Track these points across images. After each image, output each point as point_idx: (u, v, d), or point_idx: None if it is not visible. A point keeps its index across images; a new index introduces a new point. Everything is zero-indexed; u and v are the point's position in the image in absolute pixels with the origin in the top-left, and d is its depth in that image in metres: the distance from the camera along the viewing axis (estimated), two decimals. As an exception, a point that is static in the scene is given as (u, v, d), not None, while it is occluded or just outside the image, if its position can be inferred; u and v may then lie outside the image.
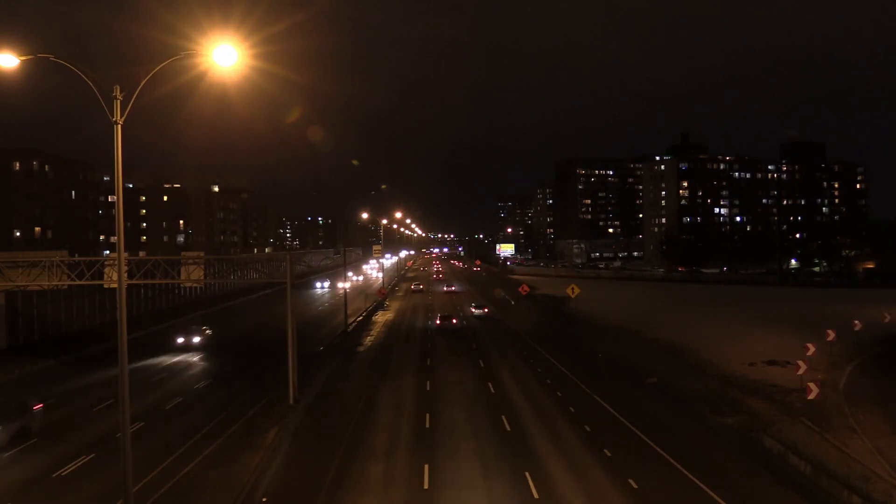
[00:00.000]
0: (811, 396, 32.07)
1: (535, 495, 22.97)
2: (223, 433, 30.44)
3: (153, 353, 52.98)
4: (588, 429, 31.06)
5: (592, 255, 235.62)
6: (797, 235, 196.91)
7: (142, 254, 48.35)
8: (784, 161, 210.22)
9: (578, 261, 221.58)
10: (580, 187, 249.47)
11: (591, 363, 48.01)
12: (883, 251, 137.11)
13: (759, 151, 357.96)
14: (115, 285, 37.82)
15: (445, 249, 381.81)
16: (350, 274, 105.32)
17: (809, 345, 40.64)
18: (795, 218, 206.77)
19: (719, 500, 22.27)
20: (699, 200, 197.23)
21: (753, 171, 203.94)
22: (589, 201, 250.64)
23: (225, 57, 17.84)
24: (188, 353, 54.05)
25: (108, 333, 51.43)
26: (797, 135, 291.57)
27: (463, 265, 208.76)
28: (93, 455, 28.27)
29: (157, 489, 23.43)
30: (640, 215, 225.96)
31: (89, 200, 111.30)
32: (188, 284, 57.67)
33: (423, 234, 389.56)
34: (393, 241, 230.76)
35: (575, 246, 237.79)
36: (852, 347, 48.41)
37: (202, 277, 43.40)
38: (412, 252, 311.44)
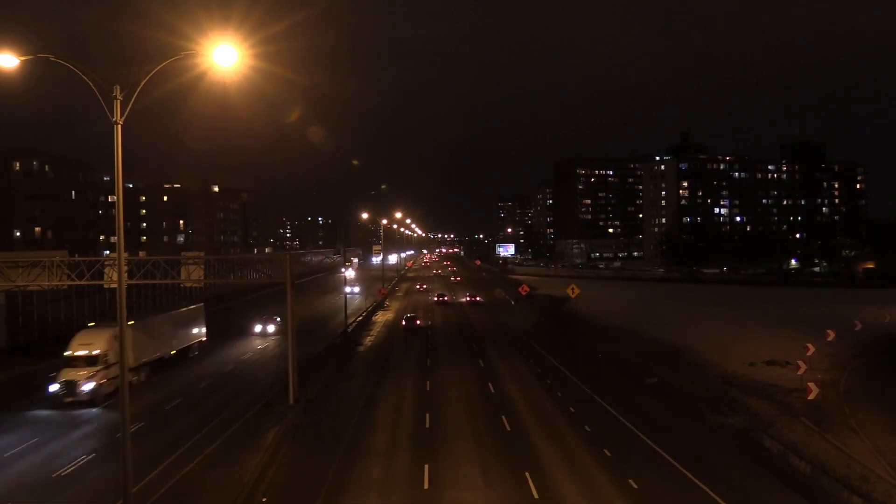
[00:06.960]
0: (811, 396, 32.11)
1: (536, 495, 22.96)
2: (223, 433, 30.45)
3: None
4: (588, 429, 31.04)
5: (592, 255, 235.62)
6: (797, 235, 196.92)
7: (142, 254, 48.23)
8: (784, 161, 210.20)
9: (578, 261, 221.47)
10: (580, 187, 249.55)
11: (592, 363, 48.00)
12: (883, 251, 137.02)
13: (759, 151, 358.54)
14: (115, 285, 37.83)
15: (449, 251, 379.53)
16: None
17: (809, 345, 40.71)
18: (795, 218, 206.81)
19: (719, 500, 22.25)
20: (699, 200, 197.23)
21: (753, 171, 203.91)
22: (589, 201, 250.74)
23: (225, 57, 17.86)
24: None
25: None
26: (799, 133, 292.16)
27: (455, 272, 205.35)
28: (93, 455, 28.34)
29: (157, 489, 23.42)
30: (640, 215, 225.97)
31: (89, 200, 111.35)
32: (188, 284, 57.62)
33: (424, 234, 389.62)
34: (393, 241, 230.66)
35: (575, 246, 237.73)
36: (852, 348, 48.39)
37: (202, 277, 43.48)
38: (412, 252, 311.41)
